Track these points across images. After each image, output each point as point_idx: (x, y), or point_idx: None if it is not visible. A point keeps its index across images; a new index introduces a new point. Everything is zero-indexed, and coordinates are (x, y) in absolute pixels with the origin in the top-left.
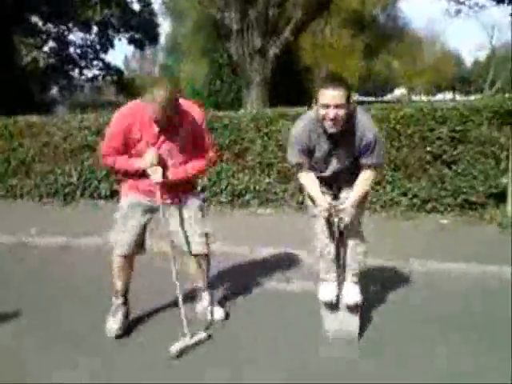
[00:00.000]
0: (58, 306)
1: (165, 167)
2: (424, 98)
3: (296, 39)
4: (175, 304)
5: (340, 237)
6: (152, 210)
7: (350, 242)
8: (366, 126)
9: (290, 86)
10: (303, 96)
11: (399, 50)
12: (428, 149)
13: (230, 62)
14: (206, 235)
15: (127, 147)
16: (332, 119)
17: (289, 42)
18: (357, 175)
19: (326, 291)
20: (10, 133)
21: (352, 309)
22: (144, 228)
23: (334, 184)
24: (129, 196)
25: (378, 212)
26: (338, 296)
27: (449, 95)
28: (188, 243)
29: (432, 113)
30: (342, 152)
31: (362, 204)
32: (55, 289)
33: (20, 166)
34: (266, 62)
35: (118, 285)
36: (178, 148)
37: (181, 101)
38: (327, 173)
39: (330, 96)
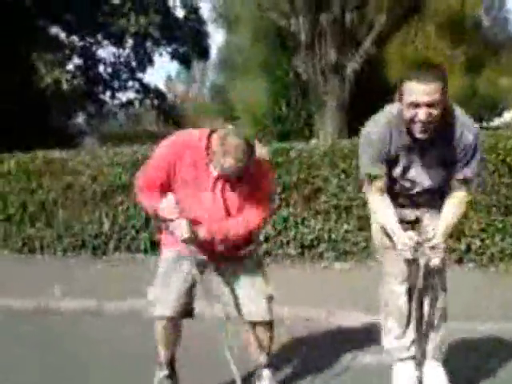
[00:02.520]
0: None
1: (196, 222)
2: None
3: (380, 51)
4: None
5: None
6: (204, 264)
7: (433, 298)
8: (466, 124)
9: (373, 110)
10: None
11: (509, 64)
12: None
13: (297, 81)
14: (269, 298)
15: (171, 185)
16: (423, 122)
17: (371, 55)
18: (441, 196)
19: (402, 379)
20: (26, 171)
21: None
22: (192, 286)
23: (411, 208)
24: (174, 246)
25: (485, 266)
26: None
27: None
28: (245, 308)
29: None
30: (432, 163)
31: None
32: (83, 363)
33: (39, 213)
34: (342, 80)
35: (162, 354)
36: (236, 204)
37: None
38: (407, 192)
39: (421, 91)
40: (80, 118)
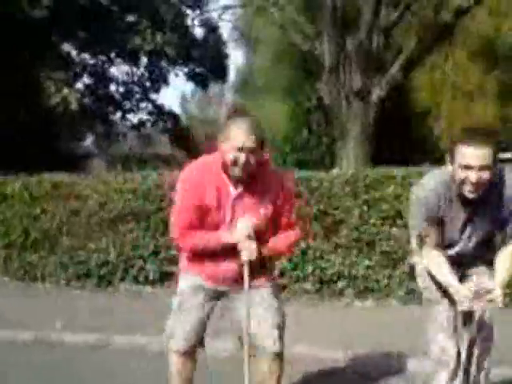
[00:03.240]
0: None
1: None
2: None
3: (407, 77)
4: None
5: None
6: (218, 296)
7: (484, 349)
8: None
9: (400, 139)
10: (416, 151)
11: None
12: None
13: (320, 106)
14: (279, 327)
15: (202, 219)
16: (474, 184)
17: (398, 82)
18: (485, 255)
19: None
20: (30, 195)
21: None
22: (208, 317)
23: (458, 266)
24: (190, 277)
25: None
26: None
27: None
28: (261, 339)
29: None
30: (480, 224)
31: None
32: None
33: (42, 239)
34: (367, 107)
35: None
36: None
37: (265, 159)
38: (455, 250)
39: (474, 156)
40: (88, 140)
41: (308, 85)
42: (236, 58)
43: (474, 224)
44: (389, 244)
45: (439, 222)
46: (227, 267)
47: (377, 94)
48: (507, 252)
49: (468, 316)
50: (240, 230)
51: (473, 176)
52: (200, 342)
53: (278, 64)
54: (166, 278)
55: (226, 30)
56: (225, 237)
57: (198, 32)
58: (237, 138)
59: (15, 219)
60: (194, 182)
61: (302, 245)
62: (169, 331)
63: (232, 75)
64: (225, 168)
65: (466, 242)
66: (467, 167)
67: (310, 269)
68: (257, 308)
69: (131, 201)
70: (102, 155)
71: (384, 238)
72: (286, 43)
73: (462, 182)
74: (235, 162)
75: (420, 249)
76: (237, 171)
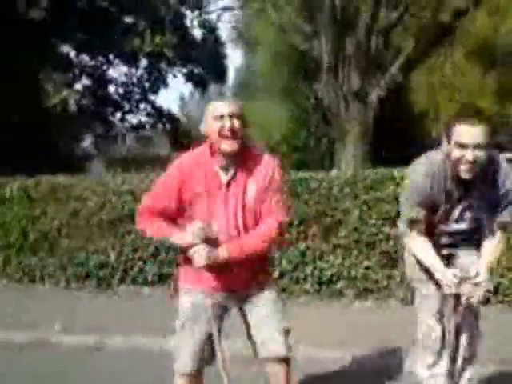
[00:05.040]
0: None
1: (217, 243)
2: None
3: (406, 78)
4: None
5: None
6: (226, 310)
7: (470, 335)
8: (506, 170)
9: (399, 139)
10: (415, 151)
11: None
12: None
13: (318, 107)
14: (286, 332)
15: (180, 207)
16: (470, 162)
17: (397, 82)
18: (476, 235)
19: None
20: (29, 197)
21: None
22: (211, 335)
23: (447, 248)
24: (191, 292)
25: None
26: None
27: None
28: (262, 344)
29: None
30: (473, 207)
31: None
32: None
33: (41, 241)
34: (366, 107)
35: None
36: (244, 209)
37: (253, 149)
38: (447, 231)
39: (469, 134)
40: (87, 141)
41: (307, 85)
42: (235, 59)
43: (468, 206)
44: (388, 244)
45: (431, 207)
46: (226, 277)
47: (375, 94)
48: (493, 241)
49: (456, 300)
50: (190, 234)
51: (469, 154)
52: (208, 361)
53: (277, 65)
54: (165, 279)
55: (224, 31)
56: (176, 237)
57: (197, 33)
58: (217, 108)
59: (13, 221)
60: (181, 170)
61: (301, 246)
62: (175, 351)
63: (231, 76)
64: (214, 151)
65: (459, 224)
66: (463, 146)
67: (309, 270)
68: (260, 311)
69: (130, 202)
70: (100, 156)
71: (383, 238)
72: (285, 44)
73: (458, 160)
74: (222, 130)
75: (408, 233)
76: (228, 144)
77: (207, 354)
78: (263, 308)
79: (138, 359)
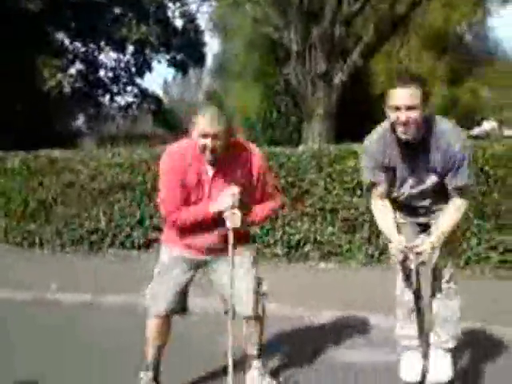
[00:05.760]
0: (77, 377)
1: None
2: None
3: (366, 63)
4: (217, 374)
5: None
6: (197, 266)
7: (438, 297)
8: (452, 135)
9: (360, 118)
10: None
11: (489, 76)
12: None
13: (288, 90)
14: (261, 294)
15: (187, 196)
16: (404, 123)
17: (358, 67)
18: (441, 205)
19: (409, 367)
20: (28, 169)
21: None
22: (186, 286)
23: (423, 217)
24: (171, 249)
25: (463, 269)
26: (424, 371)
27: None
28: (239, 303)
29: None
30: (424, 170)
31: (451, 244)
32: (75, 355)
33: (39, 209)
34: (330, 89)
35: (150, 354)
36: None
37: (237, 140)
38: (404, 196)
39: (400, 96)
40: (80, 120)
41: (278, 70)
42: (213, 46)
43: (418, 169)
44: (350, 212)
45: (388, 169)
46: (206, 238)
47: (339, 77)
48: (448, 208)
49: (420, 264)
50: (225, 199)
51: (402, 116)
52: (182, 309)
53: (251, 51)
54: (151, 243)
55: (203, 20)
56: (212, 207)
57: (178, 23)
58: (203, 128)
59: (15, 191)
60: (174, 164)
61: None
62: (149, 297)
63: (209, 62)
64: (200, 151)
65: (414, 187)
66: (396, 108)
67: (278, 235)
68: (239, 275)
69: (119, 174)
70: (92, 134)
71: (346, 206)
72: (258, 33)
73: (394, 123)
74: (204, 148)
75: (371, 197)
76: (207, 155)
77: (179, 300)
78: (241, 268)
79: (127, 314)
